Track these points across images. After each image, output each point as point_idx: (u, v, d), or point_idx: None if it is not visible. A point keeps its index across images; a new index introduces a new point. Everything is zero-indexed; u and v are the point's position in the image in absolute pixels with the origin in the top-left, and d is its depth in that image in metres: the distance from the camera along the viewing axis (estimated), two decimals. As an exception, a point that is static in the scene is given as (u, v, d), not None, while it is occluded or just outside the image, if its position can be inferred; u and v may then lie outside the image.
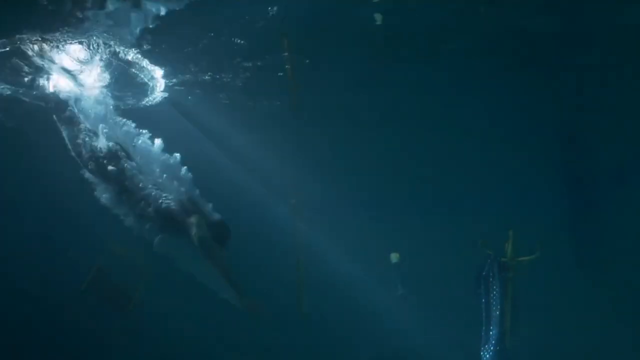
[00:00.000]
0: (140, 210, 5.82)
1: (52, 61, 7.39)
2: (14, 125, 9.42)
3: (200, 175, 6.37)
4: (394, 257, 8.05)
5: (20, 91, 8.29)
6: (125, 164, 6.11)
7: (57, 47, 7.07)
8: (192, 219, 5.53)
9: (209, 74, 8.84)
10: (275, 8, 6.72)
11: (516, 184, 11.66)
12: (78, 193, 6.89)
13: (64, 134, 6.74)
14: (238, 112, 10.23)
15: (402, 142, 11.06)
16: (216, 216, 5.84)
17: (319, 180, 10.99)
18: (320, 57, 8.44)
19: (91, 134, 6.57)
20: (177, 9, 6.62)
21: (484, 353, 7.78)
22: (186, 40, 7.56)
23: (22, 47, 7.06)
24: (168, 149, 6.59)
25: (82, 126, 6.67)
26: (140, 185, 5.92)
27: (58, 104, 7.06)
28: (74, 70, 7.63)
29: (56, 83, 7.57)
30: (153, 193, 5.87)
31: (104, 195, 6.25)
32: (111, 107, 7.36)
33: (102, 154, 6.24)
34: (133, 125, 6.84)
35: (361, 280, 11.62)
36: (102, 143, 6.36)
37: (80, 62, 7.49)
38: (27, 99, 8.31)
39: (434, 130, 10.70)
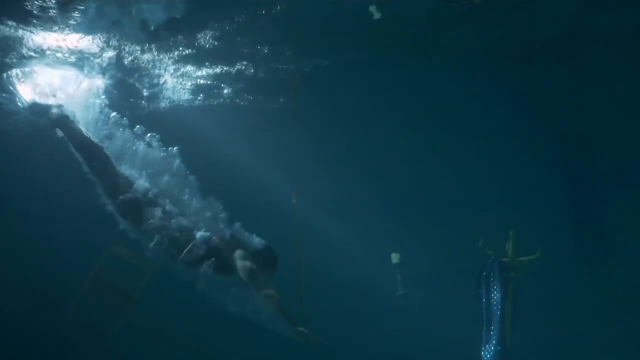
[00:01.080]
0: (187, 255, 5.53)
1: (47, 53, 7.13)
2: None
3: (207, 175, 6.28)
4: (395, 257, 8.03)
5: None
6: (167, 211, 5.78)
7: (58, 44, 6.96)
8: (237, 254, 5.32)
9: (213, 75, 8.82)
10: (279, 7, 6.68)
11: (517, 183, 11.65)
12: (79, 193, 6.86)
13: (99, 183, 6.21)
14: (241, 113, 10.21)
15: (402, 142, 11.05)
16: (260, 243, 5.63)
17: (323, 180, 10.99)
18: (323, 57, 8.45)
19: (128, 181, 6.07)
20: (178, 16, 6.60)
21: (484, 353, 7.78)
22: (189, 42, 7.54)
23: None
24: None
25: (121, 175, 6.13)
26: (183, 229, 5.65)
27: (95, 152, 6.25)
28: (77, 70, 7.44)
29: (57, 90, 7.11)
30: (196, 236, 5.59)
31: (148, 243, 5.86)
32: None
33: (143, 204, 5.84)
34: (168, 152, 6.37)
35: (363, 280, 11.59)
36: (141, 191, 5.95)
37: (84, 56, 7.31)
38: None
39: (434, 130, 10.70)
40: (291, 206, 8.99)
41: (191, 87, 9.20)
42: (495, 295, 7.86)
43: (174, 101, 9.60)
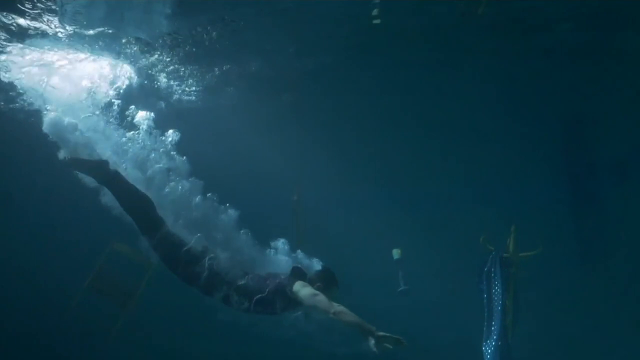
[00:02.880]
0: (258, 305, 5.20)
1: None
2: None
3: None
4: (396, 252, 8.03)
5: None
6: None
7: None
8: (296, 286, 5.03)
9: (216, 73, 8.79)
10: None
11: (518, 179, 11.67)
12: (80, 191, 6.78)
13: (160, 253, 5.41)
14: (245, 112, 10.20)
15: (404, 139, 11.06)
16: (317, 266, 5.40)
17: (326, 176, 10.98)
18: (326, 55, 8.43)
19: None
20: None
21: (485, 348, 7.84)
22: (190, 40, 7.51)
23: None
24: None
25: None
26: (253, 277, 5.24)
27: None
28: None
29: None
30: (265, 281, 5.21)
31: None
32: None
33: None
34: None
35: (365, 277, 11.61)
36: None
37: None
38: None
39: (435, 125, 10.71)
40: (293, 202, 8.99)
41: (194, 86, 9.19)
42: (497, 291, 7.92)
43: (176, 100, 9.58)
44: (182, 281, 5.37)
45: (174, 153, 5.65)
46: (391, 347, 4.49)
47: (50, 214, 11.45)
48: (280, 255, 5.53)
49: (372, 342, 4.60)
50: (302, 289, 4.99)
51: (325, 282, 5.24)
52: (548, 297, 10.56)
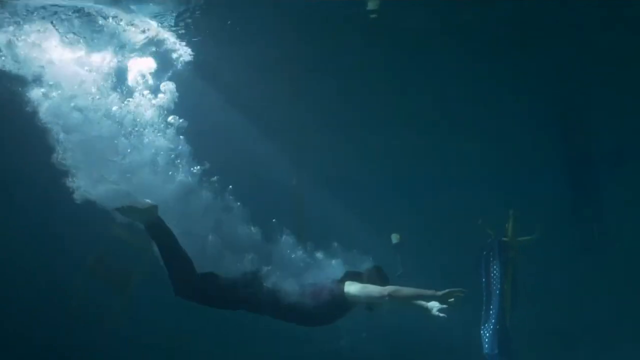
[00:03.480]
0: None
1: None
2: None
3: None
4: (395, 237, 8.06)
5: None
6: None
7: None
8: (346, 287, 5.00)
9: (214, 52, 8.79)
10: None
11: (517, 164, 11.66)
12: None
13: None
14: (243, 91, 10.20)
15: (401, 122, 11.09)
16: (366, 264, 5.32)
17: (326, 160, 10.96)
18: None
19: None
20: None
21: (484, 332, 7.90)
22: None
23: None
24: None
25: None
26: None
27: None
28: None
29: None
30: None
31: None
32: None
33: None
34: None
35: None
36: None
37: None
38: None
39: (434, 113, 10.74)
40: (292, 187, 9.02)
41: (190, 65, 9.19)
42: (495, 275, 7.98)
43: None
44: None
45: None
46: (454, 302, 4.50)
47: (50, 213, 11.44)
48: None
49: (435, 308, 4.73)
50: (351, 287, 4.98)
51: (376, 280, 5.17)
52: (546, 283, 10.52)
